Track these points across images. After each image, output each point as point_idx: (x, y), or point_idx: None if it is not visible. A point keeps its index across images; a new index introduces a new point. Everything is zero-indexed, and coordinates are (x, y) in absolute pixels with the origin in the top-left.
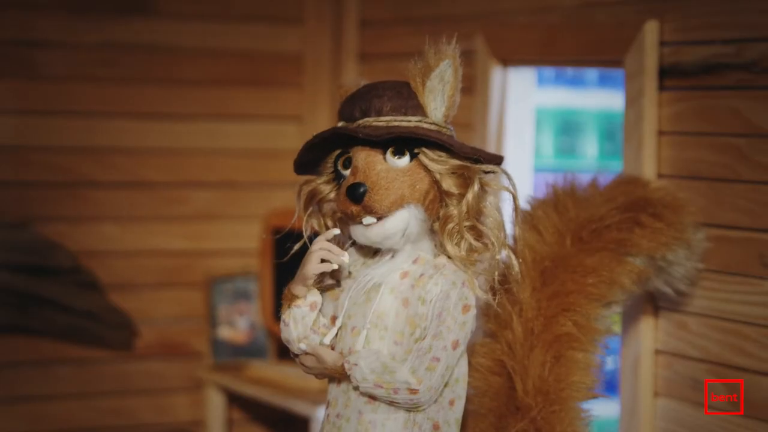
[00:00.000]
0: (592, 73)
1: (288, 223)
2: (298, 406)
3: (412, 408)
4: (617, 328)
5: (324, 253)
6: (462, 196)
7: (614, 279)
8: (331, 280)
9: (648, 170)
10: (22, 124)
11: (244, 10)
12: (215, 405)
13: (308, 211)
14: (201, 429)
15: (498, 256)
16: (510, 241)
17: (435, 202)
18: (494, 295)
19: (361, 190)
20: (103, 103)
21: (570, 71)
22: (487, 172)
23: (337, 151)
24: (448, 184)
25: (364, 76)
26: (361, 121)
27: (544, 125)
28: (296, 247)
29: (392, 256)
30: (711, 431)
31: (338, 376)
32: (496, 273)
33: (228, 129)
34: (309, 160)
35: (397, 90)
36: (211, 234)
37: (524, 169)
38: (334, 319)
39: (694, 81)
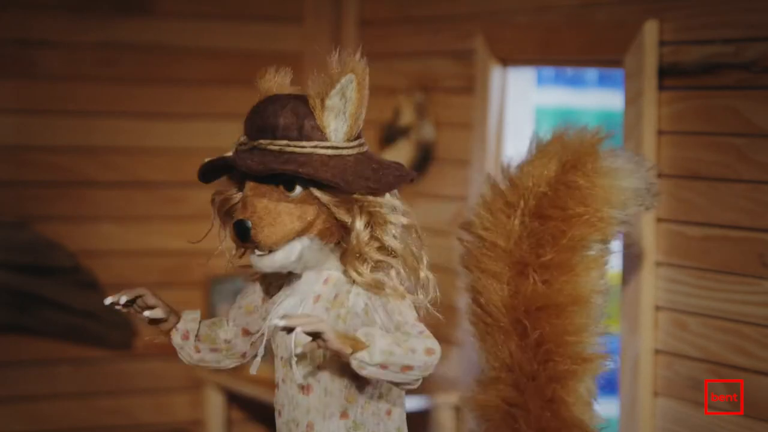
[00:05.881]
0: (591, 73)
1: None
2: None
3: (415, 382)
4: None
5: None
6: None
7: (589, 299)
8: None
9: None
10: (22, 124)
11: (244, 9)
12: (214, 405)
13: (223, 220)
14: (200, 429)
15: (406, 284)
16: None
17: (332, 226)
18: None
19: (247, 226)
20: (102, 102)
21: (569, 71)
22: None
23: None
24: (341, 214)
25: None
26: (255, 143)
27: (544, 125)
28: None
29: (299, 279)
30: (711, 431)
31: (344, 356)
32: (420, 294)
33: (227, 128)
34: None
35: (294, 109)
36: (211, 234)
37: None
38: (245, 332)
39: (693, 81)
